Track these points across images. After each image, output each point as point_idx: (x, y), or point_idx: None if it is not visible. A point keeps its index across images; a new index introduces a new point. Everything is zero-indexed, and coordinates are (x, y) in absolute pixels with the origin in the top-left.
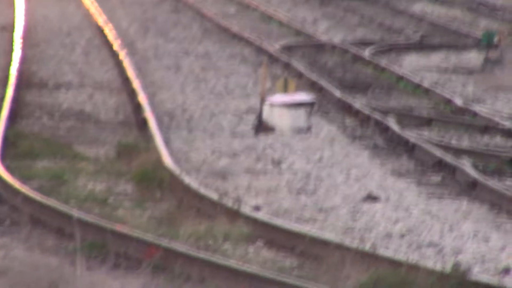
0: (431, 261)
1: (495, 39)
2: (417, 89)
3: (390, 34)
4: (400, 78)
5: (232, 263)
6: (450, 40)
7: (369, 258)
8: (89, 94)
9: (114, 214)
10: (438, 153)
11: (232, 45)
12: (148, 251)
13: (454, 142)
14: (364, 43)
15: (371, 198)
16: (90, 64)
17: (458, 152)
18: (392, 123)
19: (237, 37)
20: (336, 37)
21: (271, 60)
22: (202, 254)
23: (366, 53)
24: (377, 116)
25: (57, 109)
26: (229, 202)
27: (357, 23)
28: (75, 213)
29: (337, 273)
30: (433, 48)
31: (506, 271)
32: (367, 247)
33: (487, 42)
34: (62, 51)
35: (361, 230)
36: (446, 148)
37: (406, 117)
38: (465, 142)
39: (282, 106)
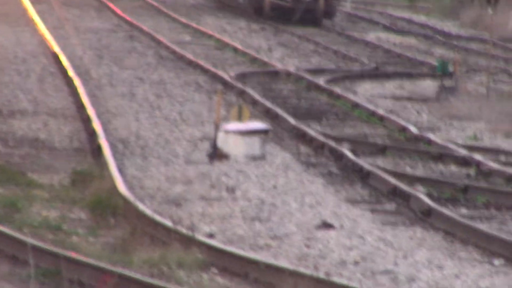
0: None
1: (450, 68)
2: (372, 117)
3: (345, 62)
4: (355, 105)
5: None
6: (405, 68)
7: (323, 285)
8: (44, 122)
9: (68, 241)
10: (393, 180)
11: (187, 73)
12: (102, 278)
13: (408, 170)
14: (319, 71)
15: (326, 225)
16: (45, 92)
17: (413, 180)
18: (346, 150)
19: (192, 65)
20: (291, 65)
21: (226, 88)
22: (156, 281)
23: (321, 81)
24: (331, 143)
25: (11, 136)
26: (183, 229)
27: (312, 51)
28: (29, 240)
29: None
30: (388, 76)
31: None
32: (321, 274)
33: (442, 71)
34: (17, 78)
35: (315, 257)
36: (401, 176)
37: (360, 144)
38: (419, 170)
39: (237, 134)
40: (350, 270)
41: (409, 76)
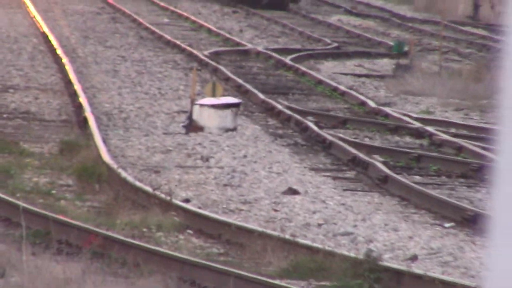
0: (345, 249)
1: (405, 48)
2: (334, 92)
3: (309, 43)
4: (318, 82)
5: (164, 249)
6: (364, 48)
7: (289, 246)
8: (35, 96)
9: (57, 205)
10: (353, 150)
11: (165, 52)
12: (88, 238)
13: (367, 140)
14: (285, 51)
15: (291, 191)
16: (35, 69)
17: (371, 150)
18: (310, 123)
19: (169, 45)
20: (260, 45)
21: (201, 66)
22: (137, 242)
23: (288, 59)
24: (297, 116)
25: (4, 109)
26: (161, 195)
27: (279, 32)
28: (21, 203)
29: (260, 260)
30: (348, 55)
31: (413, 258)
32: (288, 235)
33: (397, 51)
34: (9, 56)
35: (282, 220)
36: (360, 146)
37: (323, 117)
38: (377, 141)
39: (211, 107)
40: (314, 232)
41: (368, 55)
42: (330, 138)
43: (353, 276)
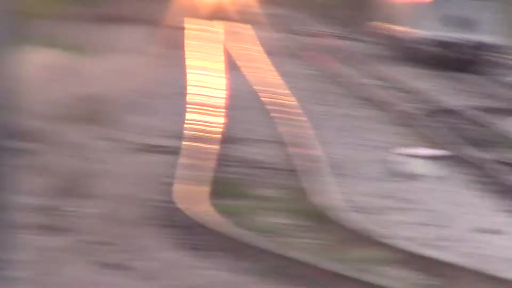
0: None
1: None
2: None
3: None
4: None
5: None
6: None
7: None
8: (266, 148)
9: (286, 241)
10: None
11: (372, 108)
12: (316, 272)
13: None
14: (486, 108)
15: (489, 231)
16: (265, 125)
17: None
18: None
19: (374, 102)
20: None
21: (406, 122)
22: (357, 275)
23: (488, 116)
24: (503, 167)
25: (238, 159)
26: (376, 233)
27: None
28: (256, 242)
29: None
30: None
31: None
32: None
33: None
34: (245, 116)
35: (481, 256)
36: None
37: None
38: None
39: (421, 158)
40: None
41: None
42: None
43: None
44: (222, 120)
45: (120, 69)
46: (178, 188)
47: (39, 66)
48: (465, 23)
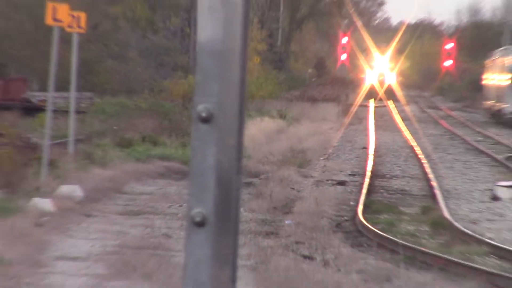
0: None
1: None
2: None
3: None
4: None
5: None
6: None
7: None
8: (407, 181)
9: (418, 242)
10: None
11: (481, 156)
12: (436, 260)
13: None
14: None
15: None
16: (408, 165)
17: None
18: None
19: (483, 152)
20: None
21: (499, 167)
22: (460, 260)
23: None
24: None
25: (391, 189)
26: (477, 236)
27: None
28: (399, 241)
29: None
30: None
31: None
32: None
33: None
34: (394, 159)
35: None
36: None
37: None
38: None
39: (507, 187)
40: None
41: None
42: None
43: None
44: (379, 162)
45: (316, 132)
46: (348, 208)
47: (263, 129)
48: None
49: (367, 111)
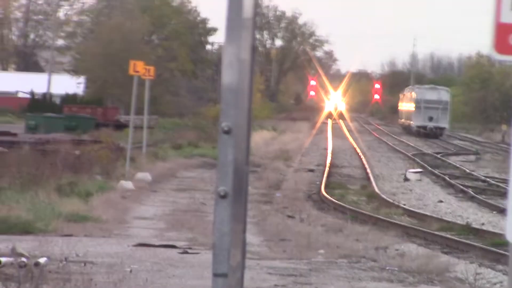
0: None
1: None
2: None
3: (446, 149)
4: (456, 167)
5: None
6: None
7: None
8: (352, 169)
9: (357, 205)
10: None
11: (397, 156)
12: (370, 219)
13: None
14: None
15: (439, 201)
16: (352, 159)
17: None
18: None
19: (402, 154)
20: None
21: (409, 159)
22: (398, 222)
23: (441, 156)
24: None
25: (342, 174)
26: (395, 202)
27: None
28: (347, 206)
29: None
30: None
31: None
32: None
33: None
34: (344, 156)
35: (437, 211)
36: None
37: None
38: None
39: (412, 172)
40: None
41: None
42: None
43: None
44: (334, 158)
45: (295, 139)
46: (315, 186)
47: (262, 137)
48: (431, 120)
49: (327, 126)
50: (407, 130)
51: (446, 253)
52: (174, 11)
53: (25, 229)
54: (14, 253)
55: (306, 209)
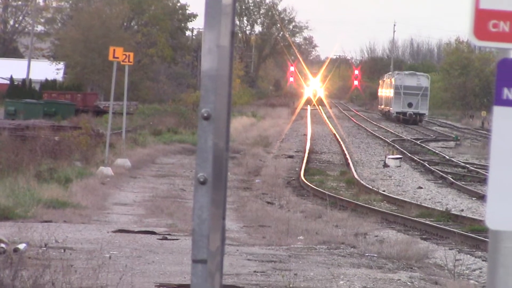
0: None
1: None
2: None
3: (425, 135)
4: (431, 150)
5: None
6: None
7: None
8: (331, 155)
9: (338, 192)
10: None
11: (381, 141)
12: (349, 204)
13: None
14: (420, 139)
15: (419, 187)
16: (331, 145)
17: None
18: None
19: (378, 138)
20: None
21: (388, 145)
22: (364, 204)
23: (420, 142)
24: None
25: (321, 160)
26: (374, 188)
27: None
28: (326, 192)
29: None
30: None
31: None
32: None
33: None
34: (323, 142)
35: (416, 198)
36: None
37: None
38: None
39: (391, 159)
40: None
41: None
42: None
43: None
44: (313, 144)
45: (275, 125)
46: (295, 172)
47: (242, 123)
48: (410, 106)
49: (306, 112)
50: (387, 116)
51: (425, 239)
52: None
53: (4, 215)
54: None
55: (286, 195)
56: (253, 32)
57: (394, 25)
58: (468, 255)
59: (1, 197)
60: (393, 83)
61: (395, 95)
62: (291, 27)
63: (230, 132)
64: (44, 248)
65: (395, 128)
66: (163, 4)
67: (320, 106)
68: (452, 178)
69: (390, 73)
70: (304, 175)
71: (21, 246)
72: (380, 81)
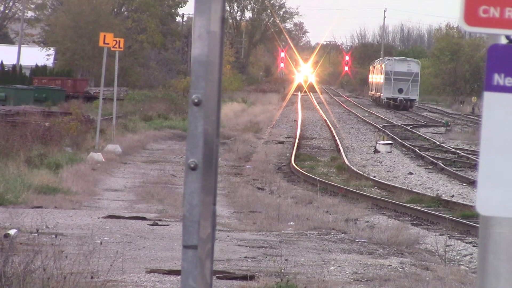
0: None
1: None
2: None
3: (415, 120)
4: (421, 135)
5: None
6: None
7: None
8: (322, 141)
9: (328, 178)
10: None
11: (369, 125)
12: (340, 190)
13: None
14: (410, 124)
15: (409, 173)
16: (322, 131)
17: None
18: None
19: (369, 124)
20: (400, 122)
21: (379, 130)
22: (354, 189)
23: (411, 128)
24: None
25: (311, 145)
26: (364, 174)
27: (407, 117)
28: (317, 178)
29: None
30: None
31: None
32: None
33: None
34: (314, 128)
35: (407, 184)
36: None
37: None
38: None
39: (382, 144)
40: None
41: (425, 127)
42: (421, 154)
43: None
44: (304, 130)
45: (265, 111)
46: (285, 158)
47: (232, 109)
48: (401, 91)
49: (297, 98)
50: (377, 102)
51: (416, 225)
52: None
53: None
54: None
55: (276, 181)
56: (243, 18)
57: (385, 11)
58: (459, 241)
59: None
60: (384, 69)
61: (385, 81)
62: (281, 13)
63: (220, 118)
64: (35, 234)
65: (386, 114)
66: None
67: (311, 93)
68: (442, 163)
69: (380, 59)
70: (294, 161)
71: (12, 232)
72: (370, 67)
